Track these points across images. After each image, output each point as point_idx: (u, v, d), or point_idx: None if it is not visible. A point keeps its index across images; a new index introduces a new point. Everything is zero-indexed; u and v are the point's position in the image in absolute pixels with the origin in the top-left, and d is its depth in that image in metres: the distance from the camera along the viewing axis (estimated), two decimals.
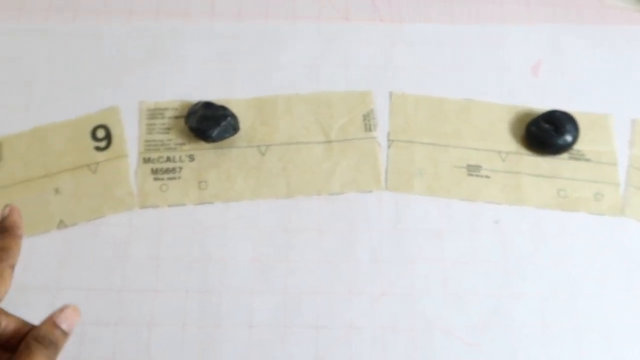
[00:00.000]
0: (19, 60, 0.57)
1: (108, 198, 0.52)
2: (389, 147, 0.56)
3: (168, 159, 0.54)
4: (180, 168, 0.54)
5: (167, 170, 0.54)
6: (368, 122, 0.57)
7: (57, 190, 0.52)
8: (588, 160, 0.57)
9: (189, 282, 0.51)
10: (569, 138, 0.55)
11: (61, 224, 0.51)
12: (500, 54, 0.61)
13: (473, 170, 0.56)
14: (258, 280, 0.51)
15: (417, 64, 0.60)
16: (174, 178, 0.54)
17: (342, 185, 0.54)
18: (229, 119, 0.53)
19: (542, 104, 0.59)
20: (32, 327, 0.31)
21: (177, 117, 0.56)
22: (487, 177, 0.56)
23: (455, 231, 0.54)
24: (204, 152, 0.55)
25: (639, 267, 0.53)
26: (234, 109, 0.56)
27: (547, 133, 0.55)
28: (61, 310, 0.32)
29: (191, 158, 0.54)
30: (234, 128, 0.54)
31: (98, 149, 0.54)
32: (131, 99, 0.57)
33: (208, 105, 0.54)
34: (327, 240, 0.53)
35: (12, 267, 0.33)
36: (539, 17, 0.63)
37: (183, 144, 0.55)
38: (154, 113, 0.56)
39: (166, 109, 0.56)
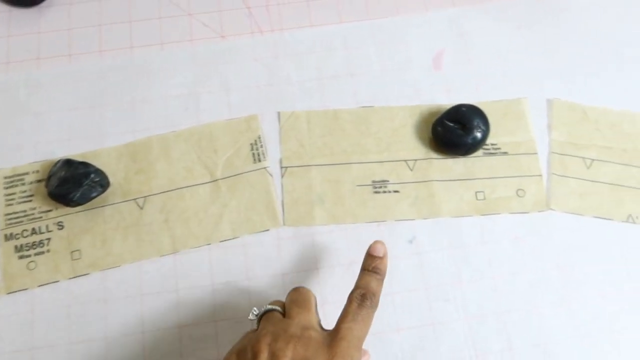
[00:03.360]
0: None
1: None
2: (282, 175, 0.50)
3: (33, 231, 0.48)
4: (49, 239, 0.47)
5: (33, 245, 0.47)
6: (256, 151, 0.50)
7: None
8: (505, 153, 0.51)
9: None
10: (478, 134, 0.49)
11: None
12: (398, 49, 0.55)
13: (379, 186, 0.50)
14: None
15: (306, 75, 0.54)
16: (42, 252, 0.47)
17: (234, 228, 0.48)
18: (92, 176, 0.46)
19: (449, 99, 0.53)
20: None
21: (39, 181, 0.49)
22: (396, 191, 0.50)
23: None
24: (74, 216, 0.48)
25: (572, 266, 0.48)
26: (104, 160, 0.49)
27: (453, 132, 0.49)
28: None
29: (60, 226, 0.48)
30: (101, 185, 0.47)
31: None
32: None
33: (68, 164, 0.47)
34: (220, 296, 0.46)
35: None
36: (435, 1, 0.57)
37: (49, 210, 0.48)
38: (13, 180, 0.49)
39: (26, 173, 0.49)
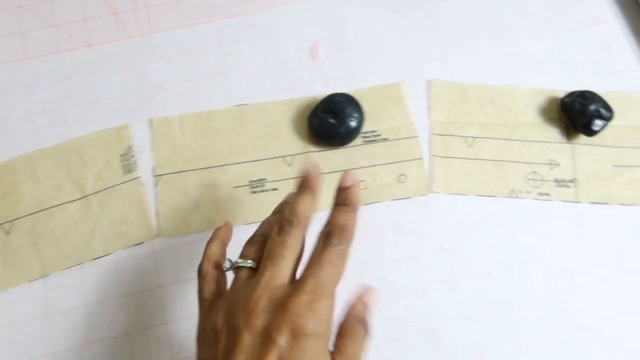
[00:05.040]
0: None
1: None
2: (156, 184, 0.48)
3: None
4: None
5: None
6: (127, 161, 0.49)
7: None
8: (385, 140, 0.50)
9: None
10: (352, 123, 0.48)
11: None
12: (272, 43, 0.53)
13: (257, 185, 0.49)
14: None
15: (179, 77, 0.52)
16: None
17: (107, 244, 0.46)
18: None
19: (328, 90, 0.52)
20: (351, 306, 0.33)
21: None
22: (275, 189, 0.48)
23: None
24: None
25: (457, 247, 0.47)
26: None
27: (327, 123, 0.48)
28: (369, 291, 0.34)
29: None
30: None
31: None
32: None
33: None
34: (94, 317, 0.45)
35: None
36: None
37: None
38: None
39: None
